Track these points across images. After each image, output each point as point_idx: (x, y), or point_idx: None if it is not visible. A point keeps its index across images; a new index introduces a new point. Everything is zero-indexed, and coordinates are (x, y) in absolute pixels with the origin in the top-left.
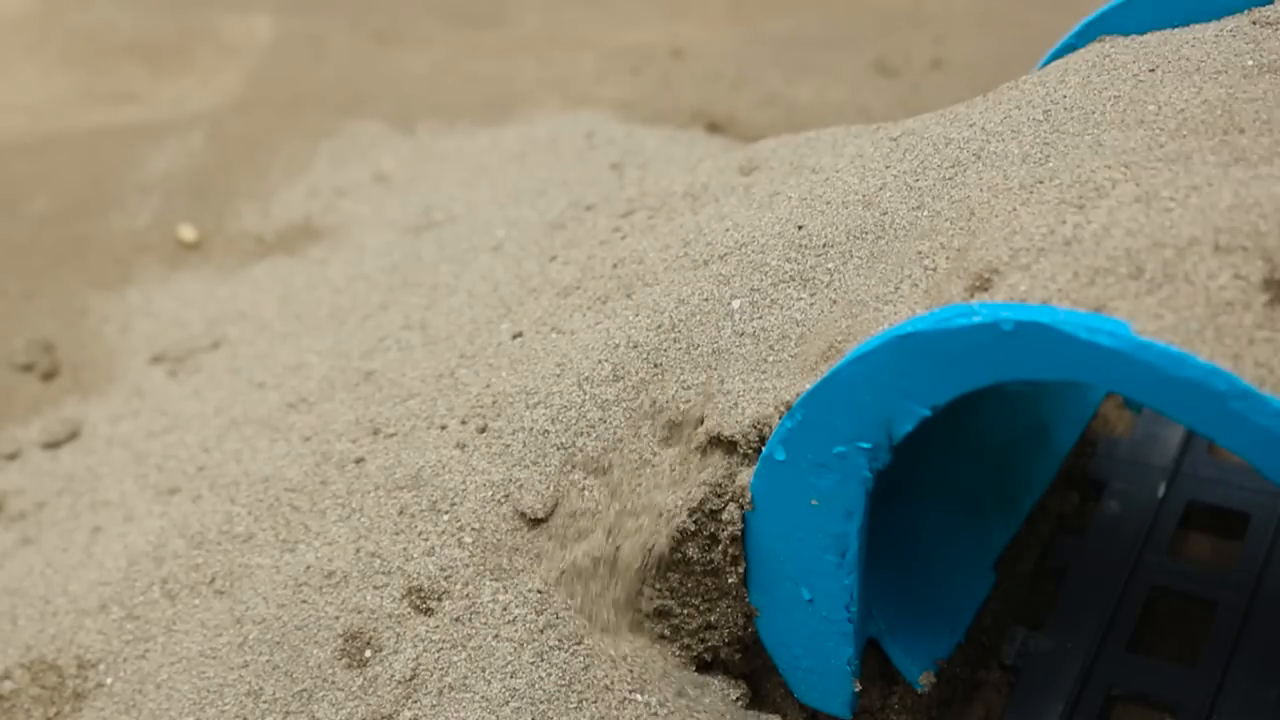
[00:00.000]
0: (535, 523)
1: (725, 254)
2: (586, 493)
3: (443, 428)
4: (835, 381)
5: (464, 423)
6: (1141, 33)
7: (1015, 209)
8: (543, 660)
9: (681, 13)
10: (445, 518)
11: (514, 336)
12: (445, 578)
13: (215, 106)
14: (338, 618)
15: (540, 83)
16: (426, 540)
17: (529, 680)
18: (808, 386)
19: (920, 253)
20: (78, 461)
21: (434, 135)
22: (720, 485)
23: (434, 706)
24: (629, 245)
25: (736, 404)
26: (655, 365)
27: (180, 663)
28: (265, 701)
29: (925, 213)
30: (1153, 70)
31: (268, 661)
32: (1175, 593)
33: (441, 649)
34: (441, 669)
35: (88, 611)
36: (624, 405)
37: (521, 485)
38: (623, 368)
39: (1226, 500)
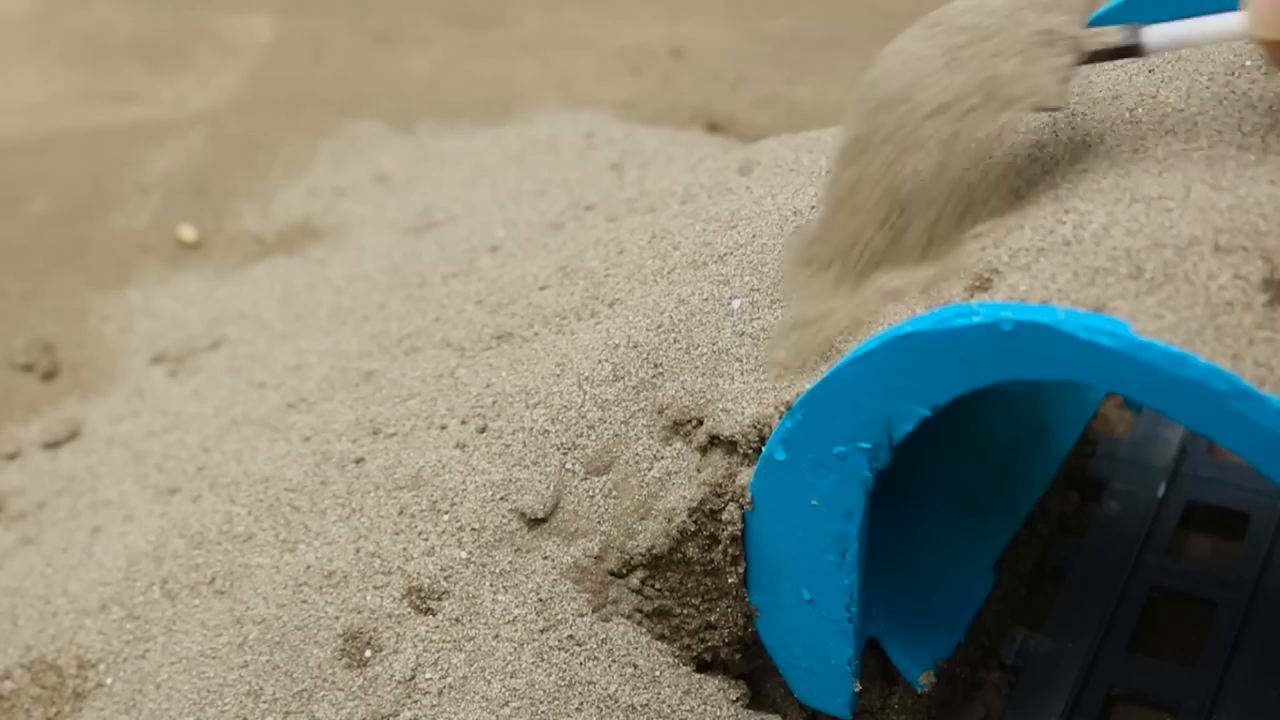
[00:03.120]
0: (535, 523)
1: (725, 254)
2: (586, 493)
3: (443, 428)
4: (835, 382)
5: (464, 423)
6: None
7: (1014, 208)
8: (543, 660)
9: (681, 13)
10: (445, 518)
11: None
12: (445, 578)
13: (215, 106)
14: (338, 618)
15: (540, 83)
16: (426, 540)
17: (529, 680)
18: (807, 386)
19: None
20: (77, 461)
21: (434, 135)
22: (720, 485)
23: (434, 706)
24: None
25: (736, 404)
26: (655, 365)
27: (180, 663)
28: (265, 701)
29: None
30: (1152, 71)
31: (268, 661)
32: (1175, 593)
33: (442, 649)
34: (441, 669)
35: (88, 611)
36: (624, 405)
37: (521, 485)
38: (622, 368)
39: (1227, 500)
